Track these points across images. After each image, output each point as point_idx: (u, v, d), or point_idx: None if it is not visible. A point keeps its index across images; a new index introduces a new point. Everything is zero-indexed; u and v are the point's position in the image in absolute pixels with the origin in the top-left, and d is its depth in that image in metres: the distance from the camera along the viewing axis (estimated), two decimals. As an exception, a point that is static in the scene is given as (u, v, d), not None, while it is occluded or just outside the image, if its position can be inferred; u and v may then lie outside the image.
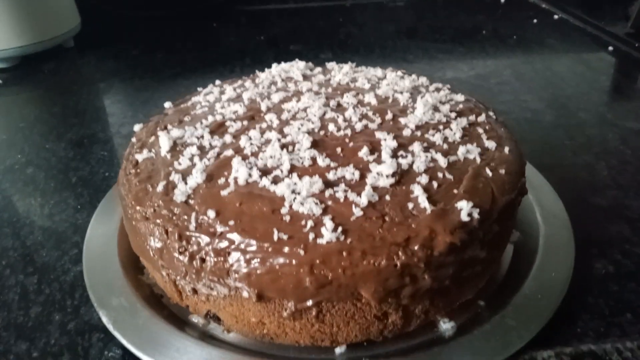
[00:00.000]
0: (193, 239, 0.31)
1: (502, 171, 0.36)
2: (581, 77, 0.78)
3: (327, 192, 0.32)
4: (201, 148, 0.38)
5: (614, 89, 0.75)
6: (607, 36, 0.91)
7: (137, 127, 0.44)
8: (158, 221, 0.33)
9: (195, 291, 0.33)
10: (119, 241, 0.42)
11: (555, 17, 1.03)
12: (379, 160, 0.35)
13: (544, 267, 0.38)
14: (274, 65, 0.51)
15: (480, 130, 0.40)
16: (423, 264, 0.30)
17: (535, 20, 1.02)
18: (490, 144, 0.38)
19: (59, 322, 0.38)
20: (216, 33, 1.03)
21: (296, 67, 0.49)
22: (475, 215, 0.31)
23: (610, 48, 0.86)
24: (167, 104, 0.47)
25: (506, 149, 0.38)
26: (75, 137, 0.65)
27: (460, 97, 0.44)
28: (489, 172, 0.35)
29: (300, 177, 0.33)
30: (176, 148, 0.38)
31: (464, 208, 0.31)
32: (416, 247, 0.30)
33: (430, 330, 0.35)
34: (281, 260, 0.29)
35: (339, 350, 0.33)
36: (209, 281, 0.32)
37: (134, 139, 0.42)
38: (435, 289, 0.32)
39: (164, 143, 0.38)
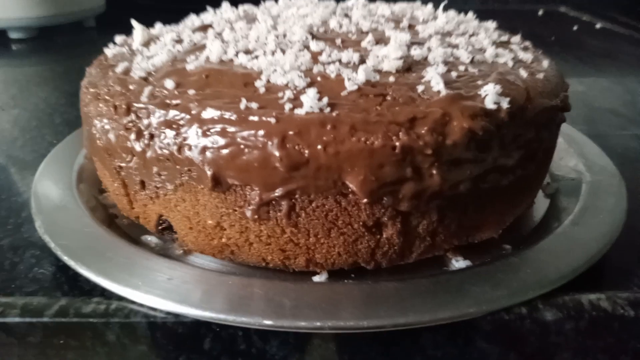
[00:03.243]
0: (143, 111, 0.25)
1: (540, 76, 0.28)
2: (626, 66, 0.70)
3: (316, 69, 0.26)
4: (178, 41, 0.32)
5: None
6: (655, 39, 0.84)
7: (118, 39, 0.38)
8: (107, 97, 0.27)
9: (143, 185, 0.27)
10: (83, 166, 0.36)
11: (597, 26, 0.97)
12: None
13: (588, 209, 0.30)
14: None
15: (514, 47, 0.33)
16: (431, 150, 0.23)
17: (575, 27, 0.96)
18: (526, 56, 0.31)
19: (-7, 237, 0.32)
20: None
21: (306, -1, 0.44)
22: (505, 105, 0.24)
23: (660, 50, 0.79)
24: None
25: (545, 62, 0.31)
26: (71, 89, 0.61)
27: (491, 24, 0.38)
28: (523, 73, 0.28)
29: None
30: (150, 42, 0.33)
31: (490, 93, 0.24)
32: (423, 130, 0.23)
33: (438, 268, 0.27)
34: (245, 131, 0.23)
35: (317, 278, 0.26)
36: (157, 162, 0.25)
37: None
38: (447, 198, 0.24)
39: (137, 35, 0.33)
